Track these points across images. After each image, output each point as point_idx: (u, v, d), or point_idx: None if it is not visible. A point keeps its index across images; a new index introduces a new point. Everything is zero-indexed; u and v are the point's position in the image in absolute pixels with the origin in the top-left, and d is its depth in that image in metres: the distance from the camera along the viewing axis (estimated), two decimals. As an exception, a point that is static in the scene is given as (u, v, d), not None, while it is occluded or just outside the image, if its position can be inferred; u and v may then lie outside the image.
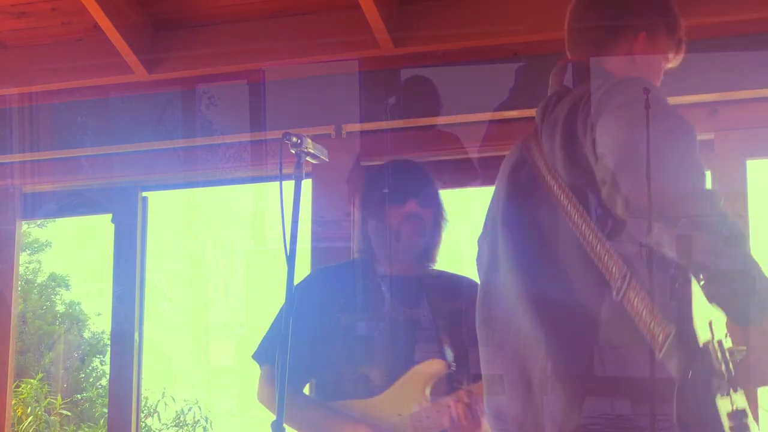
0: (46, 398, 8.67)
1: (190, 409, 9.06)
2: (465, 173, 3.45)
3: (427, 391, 2.73)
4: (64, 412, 8.82)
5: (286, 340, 2.43)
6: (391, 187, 2.88)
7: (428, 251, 2.89)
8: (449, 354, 2.79)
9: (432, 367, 2.75)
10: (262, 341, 2.92)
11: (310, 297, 2.86)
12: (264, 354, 2.89)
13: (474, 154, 3.42)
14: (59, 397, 8.81)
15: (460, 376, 2.77)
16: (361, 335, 2.82)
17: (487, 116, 3.39)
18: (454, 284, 2.92)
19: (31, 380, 8.62)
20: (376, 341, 2.79)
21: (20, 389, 8.24)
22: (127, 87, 3.70)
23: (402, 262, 2.86)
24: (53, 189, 3.89)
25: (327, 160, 2.61)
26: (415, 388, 2.74)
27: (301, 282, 2.90)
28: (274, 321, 2.92)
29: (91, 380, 10.03)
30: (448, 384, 2.75)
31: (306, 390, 2.93)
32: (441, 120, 3.43)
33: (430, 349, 2.79)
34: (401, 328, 2.80)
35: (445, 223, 2.93)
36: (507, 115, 3.37)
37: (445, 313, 2.85)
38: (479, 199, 3.71)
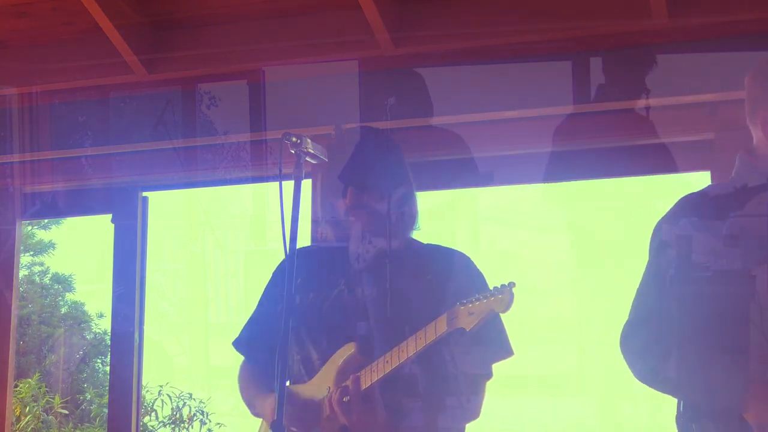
0: (44, 398, 8.67)
1: (184, 404, 9.06)
2: (465, 173, 3.45)
3: (341, 378, 2.66)
4: (62, 411, 8.81)
5: (285, 340, 2.44)
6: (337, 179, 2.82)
7: (386, 232, 2.80)
8: (377, 336, 2.71)
9: (344, 353, 2.69)
10: (243, 331, 2.94)
11: (277, 279, 2.87)
12: (245, 344, 2.92)
13: (474, 155, 3.42)
14: (57, 397, 8.82)
15: (371, 360, 2.67)
16: (309, 315, 2.78)
17: (487, 116, 3.39)
18: (433, 257, 2.84)
19: (29, 380, 8.62)
20: (322, 321, 2.75)
21: (18, 389, 8.25)
22: (127, 87, 3.70)
23: (360, 245, 2.80)
24: (53, 189, 3.89)
25: (327, 160, 2.61)
26: (329, 373, 2.70)
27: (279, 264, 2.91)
28: (256, 311, 2.93)
29: (92, 380, 10.03)
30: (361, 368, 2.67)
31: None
32: (441, 120, 3.43)
33: (359, 329, 2.72)
34: (344, 310, 2.74)
35: (406, 191, 2.82)
36: (507, 115, 3.37)
37: (403, 291, 2.76)
38: (480, 199, 3.72)
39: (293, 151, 2.53)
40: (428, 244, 2.86)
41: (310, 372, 2.74)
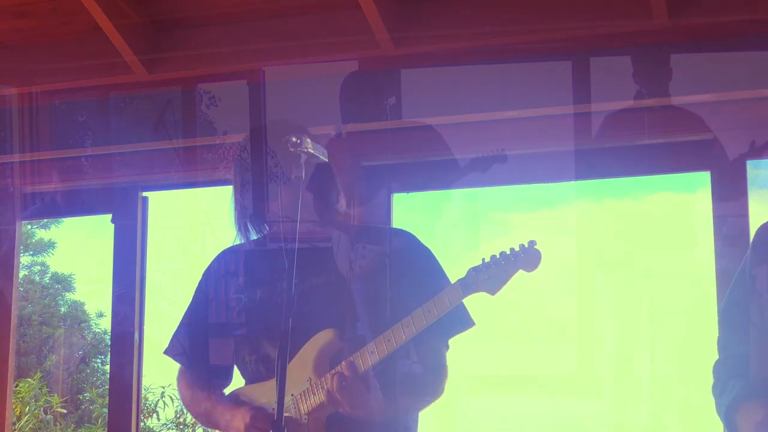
0: (44, 398, 8.67)
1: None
2: (465, 173, 3.45)
3: (321, 367, 2.59)
4: (60, 410, 8.81)
5: (286, 339, 2.43)
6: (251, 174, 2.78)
7: (319, 219, 2.74)
8: (349, 321, 2.65)
9: (322, 340, 2.61)
10: (174, 336, 2.86)
11: (211, 281, 2.82)
12: (178, 350, 2.85)
13: (474, 155, 3.42)
14: (55, 396, 8.81)
15: (356, 346, 2.60)
16: (260, 313, 2.70)
17: (487, 116, 3.39)
18: (371, 239, 2.78)
19: (29, 379, 8.62)
20: (275, 317, 2.60)
21: (18, 388, 8.24)
22: (127, 87, 3.70)
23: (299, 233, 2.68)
24: (53, 189, 3.89)
25: (327, 160, 2.61)
26: (306, 364, 2.60)
27: (205, 270, 2.85)
28: (185, 314, 2.86)
29: (92, 380, 10.03)
30: (345, 354, 2.60)
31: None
32: (441, 120, 3.43)
33: (334, 320, 2.64)
34: (305, 299, 2.62)
35: (326, 178, 2.76)
36: (507, 115, 3.37)
37: (352, 275, 2.70)
38: (479, 199, 3.71)
39: (293, 151, 2.53)
40: (366, 226, 2.88)
41: (272, 370, 2.65)
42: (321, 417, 2.60)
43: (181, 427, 9.07)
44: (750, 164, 3.15)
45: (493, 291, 2.51)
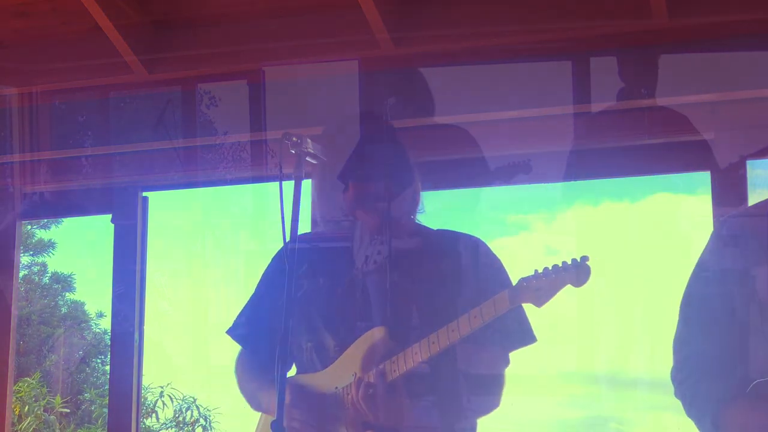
0: (44, 398, 8.68)
1: (188, 408, 9.06)
2: (465, 174, 3.45)
3: (368, 364, 2.58)
4: (63, 409, 8.82)
5: (285, 337, 2.43)
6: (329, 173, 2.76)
7: (394, 219, 2.75)
8: (402, 321, 2.63)
9: (371, 338, 2.61)
10: (238, 319, 2.87)
11: (278, 265, 2.80)
12: (240, 333, 2.85)
13: (474, 155, 3.42)
14: (58, 397, 8.82)
15: (399, 348, 2.58)
16: (320, 302, 2.71)
17: (487, 116, 3.39)
18: (438, 244, 2.78)
19: (28, 379, 8.63)
20: (334, 308, 2.68)
21: (17, 387, 8.24)
22: (127, 87, 3.70)
23: (368, 232, 2.74)
24: (53, 189, 3.89)
25: (327, 159, 2.61)
26: (354, 360, 2.61)
27: (275, 254, 2.85)
28: (251, 299, 2.87)
29: (92, 380, 10.03)
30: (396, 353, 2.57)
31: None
32: (441, 120, 3.43)
33: (387, 315, 2.64)
34: (363, 294, 2.67)
35: (406, 174, 2.77)
36: (507, 115, 3.37)
37: (414, 277, 2.70)
38: (479, 199, 3.71)
39: (293, 151, 2.53)
40: (438, 230, 2.80)
41: (325, 360, 2.67)
42: (359, 417, 2.58)
43: (181, 426, 9.08)
44: (750, 164, 3.15)
45: (539, 303, 2.47)
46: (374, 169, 2.73)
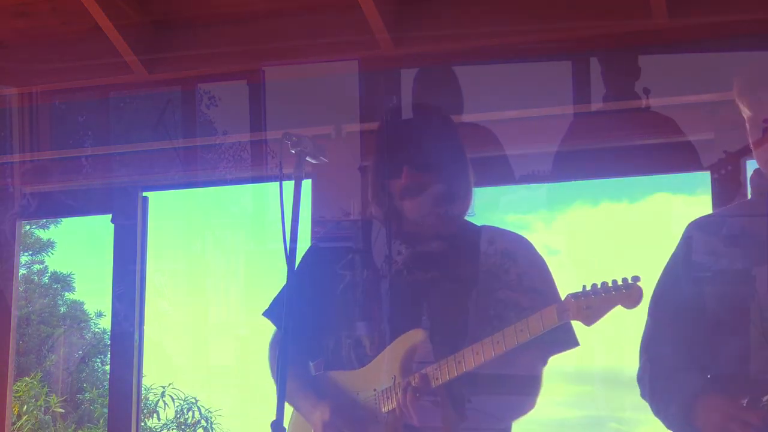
0: (42, 397, 8.68)
1: (189, 409, 9.06)
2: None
3: (407, 367, 2.52)
4: (59, 409, 8.82)
5: (286, 339, 2.42)
6: (385, 158, 2.67)
7: (442, 214, 2.65)
8: (441, 323, 2.57)
9: (410, 339, 2.54)
10: (275, 301, 2.77)
11: (319, 251, 2.76)
12: (277, 315, 2.73)
13: (474, 155, 3.42)
14: (54, 396, 8.82)
15: (441, 351, 2.52)
16: (359, 297, 2.65)
17: (487, 116, 3.39)
18: (482, 241, 2.67)
19: (26, 378, 8.63)
20: (374, 304, 2.62)
21: (16, 387, 8.24)
22: (127, 87, 3.70)
23: (414, 226, 2.64)
24: (53, 189, 3.89)
25: (327, 160, 2.61)
26: (392, 361, 2.54)
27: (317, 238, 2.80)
28: (287, 282, 2.73)
29: (92, 380, 10.03)
30: (435, 357, 2.51)
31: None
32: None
33: (428, 316, 2.56)
34: (404, 292, 2.60)
35: (464, 176, 2.67)
36: (507, 115, 3.37)
37: (459, 276, 2.62)
38: (478, 199, 3.71)
39: (293, 151, 2.53)
40: (484, 226, 2.71)
41: (362, 358, 2.61)
42: (398, 421, 2.52)
43: (182, 427, 9.08)
44: (750, 164, 3.15)
45: (589, 322, 2.40)
46: (432, 159, 2.64)
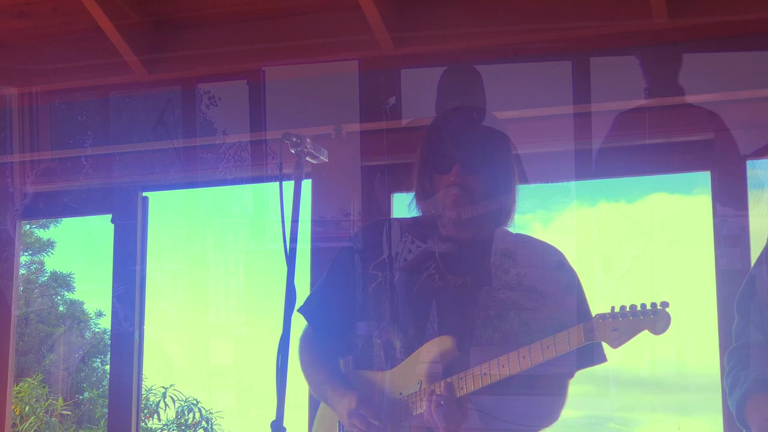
0: (47, 399, 8.68)
1: (190, 410, 9.06)
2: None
3: (434, 372, 2.51)
4: (65, 412, 8.82)
5: (286, 339, 2.42)
6: (437, 151, 2.63)
7: (483, 219, 2.62)
8: (469, 331, 2.55)
9: (438, 346, 2.53)
10: (309, 298, 2.78)
11: (356, 247, 2.73)
12: (309, 312, 2.74)
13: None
14: (60, 399, 8.82)
15: (467, 359, 2.51)
16: (392, 298, 2.63)
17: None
18: (523, 251, 2.66)
19: (28, 379, 8.62)
20: (405, 307, 2.60)
21: (17, 388, 8.24)
22: (127, 87, 3.70)
23: (452, 228, 2.63)
24: (53, 189, 3.89)
25: (327, 160, 2.61)
26: (420, 366, 2.53)
27: (353, 235, 2.81)
28: (323, 279, 2.79)
29: (92, 380, 10.03)
30: (461, 365, 2.50)
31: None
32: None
33: (457, 322, 2.55)
34: (435, 296, 2.58)
35: (510, 186, 2.65)
36: (507, 115, 3.37)
37: (491, 284, 2.60)
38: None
39: (293, 151, 2.52)
40: (518, 234, 2.70)
41: (391, 360, 2.61)
42: (422, 425, 2.52)
43: (183, 428, 9.08)
44: (750, 164, 3.15)
45: (615, 345, 2.39)
46: (486, 164, 2.62)
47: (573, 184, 3.52)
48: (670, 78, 3.18)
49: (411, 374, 2.56)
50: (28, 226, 10.04)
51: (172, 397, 8.80)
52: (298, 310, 2.73)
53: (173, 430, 9.14)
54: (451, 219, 2.62)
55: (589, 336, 2.40)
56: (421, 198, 2.68)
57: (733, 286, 2.72)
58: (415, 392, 2.54)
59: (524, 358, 2.43)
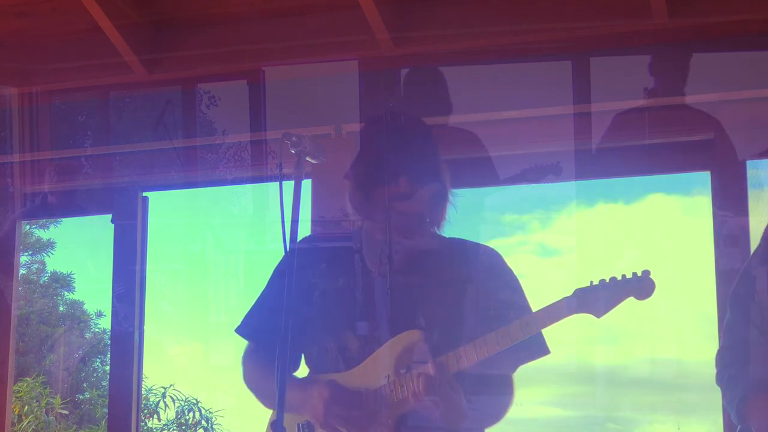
0: (45, 399, 8.68)
1: (190, 410, 9.06)
2: (464, 173, 3.45)
3: (401, 366, 2.56)
4: (63, 411, 8.81)
5: (285, 340, 2.42)
6: (377, 163, 2.70)
7: (424, 225, 2.71)
8: (431, 324, 2.61)
9: (406, 340, 2.59)
10: (248, 316, 2.82)
11: (291, 264, 2.79)
12: (250, 329, 2.80)
13: (474, 155, 3.42)
14: (58, 398, 8.81)
15: (441, 348, 2.56)
16: (340, 303, 2.68)
17: (487, 116, 3.39)
18: (459, 251, 2.75)
19: (28, 379, 8.62)
20: (356, 310, 2.66)
21: (17, 387, 8.24)
22: (127, 87, 3.70)
23: (395, 235, 2.70)
24: (53, 189, 3.89)
25: (327, 160, 2.61)
26: (386, 361, 2.58)
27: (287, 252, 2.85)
28: (261, 295, 2.83)
29: (92, 380, 10.03)
30: (428, 356, 2.55)
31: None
32: (441, 120, 3.43)
33: (413, 320, 2.62)
34: (385, 297, 2.65)
35: (446, 191, 2.72)
36: (507, 115, 3.37)
37: (439, 282, 2.67)
38: (475, 199, 3.71)
39: (293, 151, 2.53)
40: (455, 239, 2.77)
41: (350, 361, 2.64)
42: (393, 415, 2.56)
43: (183, 428, 9.08)
44: (750, 164, 3.15)
45: (599, 314, 2.46)
46: (427, 170, 2.69)
47: (572, 185, 3.52)
48: (670, 78, 3.18)
49: (377, 370, 2.59)
50: (28, 227, 10.04)
51: (172, 397, 8.80)
52: (237, 332, 2.79)
53: (173, 430, 9.15)
54: (391, 229, 2.66)
55: (571, 308, 2.46)
56: (360, 209, 2.73)
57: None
58: (383, 386, 2.56)
59: (504, 337, 2.49)
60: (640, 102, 3.20)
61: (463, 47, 3.35)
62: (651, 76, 3.19)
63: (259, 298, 2.84)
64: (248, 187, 3.88)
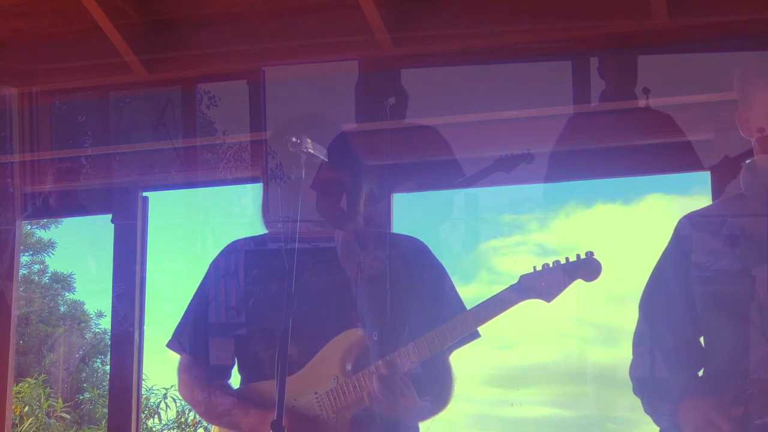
0: (47, 400, 8.67)
1: (190, 410, 9.06)
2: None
3: (348, 366, 2.57)
4: (65, 415, 8.81)
5: (285, 340, 2.42)
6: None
7: (352, 221, 2.74)
8: (373, 322, 2.62)
9: (350, 339, 2.59)
10: (178, 329, 2.82)
11: (217, 275, 2.79)
12: (181, 343, 2.79)
13: (474, 155, 3.42)
14: (60, 401, 8.81)
15: (386, 346, 2.58)
16: (273, 308, 2.65)
17: (487, 116, 3.39)
18: (387, 244, 2.75)
19: (29, 379, 8.62)
20: (285, 314, 2.59)
21: (18, 388, 8.24)
22: (127, 87, 3.70)
23: (322, 234, 2.72)
24: (53, 189, 3.89)
25: (326, 160, 2.61)
26: (332, 362, 2.59)
27: (215, 258, 2.82)
28: (189, 307, 2.83)
29: (92, 380, 10.03)
30: (373, 355, 2.57)
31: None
32: (441, 120, 3.43)
33: (351, 319, 2.63)
34: (319, 298, 2.64)
35: (359, 186, 2.75)
36: (507, 115, 3.37)
37: (371, 277, 2.67)
38: (479, 198, 3.71)
39: (293, 151, 2.53)
40: (381, 231, 2.82)
41: (291, 367, 2.57)
42: (347, 415, 2.58)
43: (183, 427, 9.08)
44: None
45: (549, 298, 2.48)
46: (353, 170, 2.75)
47: (572, 185, 3.52)
48: (670, 78, 3.18)
49: (324, 372, 2.59)
50: (28, 227, 10.04)
51: (173, 398, 8.79)
52: (168, 346, 2.80)
53: (173, 429, 9.15)
54: (319, 228, 2.69)
55: (520, 295, 2.48)
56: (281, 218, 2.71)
57: (733, 286, 2.71)
58: (333, 387, 2.56)
59: (453, 329, 2.52)
60: (640, 102, 3.20)
61: (463, 47, 3.35)
62: (651, 76, 3.19)
63: (186, 310, 2.83)
64: (248, 187, 3.88)
